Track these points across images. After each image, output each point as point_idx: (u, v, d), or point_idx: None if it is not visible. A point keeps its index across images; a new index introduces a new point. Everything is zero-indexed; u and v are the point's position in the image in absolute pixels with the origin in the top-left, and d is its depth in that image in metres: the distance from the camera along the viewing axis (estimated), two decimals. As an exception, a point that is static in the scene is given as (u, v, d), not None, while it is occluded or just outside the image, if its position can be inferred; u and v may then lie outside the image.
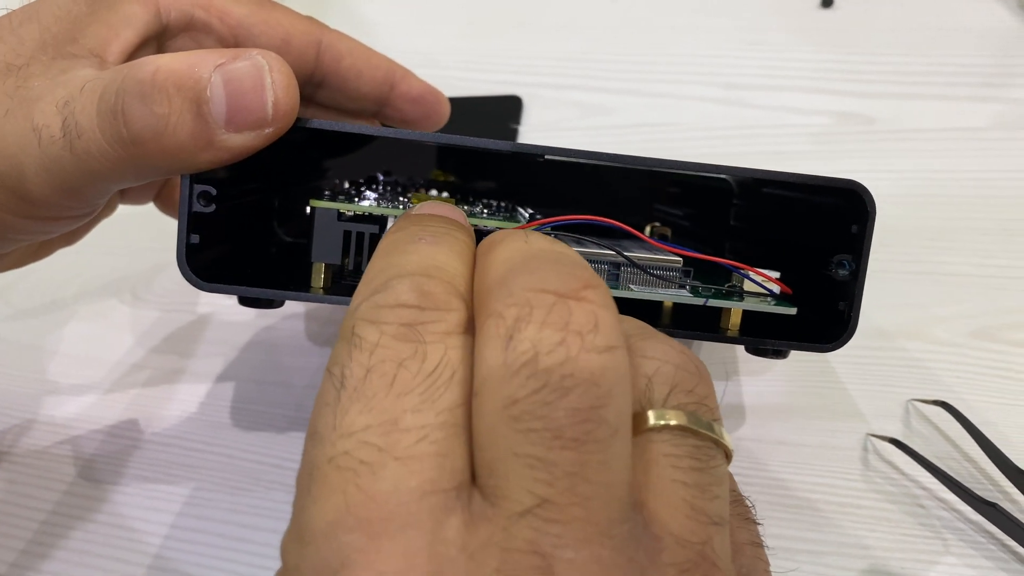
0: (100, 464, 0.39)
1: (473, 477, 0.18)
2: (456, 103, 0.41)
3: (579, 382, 0.17)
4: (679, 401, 0.19)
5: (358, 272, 0.32)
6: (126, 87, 0.25)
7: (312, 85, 0.37)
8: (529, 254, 0.20)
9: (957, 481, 0.34)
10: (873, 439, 0.37)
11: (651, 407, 0.19)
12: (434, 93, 0.39)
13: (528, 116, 0.52)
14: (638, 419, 0.19)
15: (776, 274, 0.31)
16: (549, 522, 0.16)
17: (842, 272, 0.30)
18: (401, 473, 0.17)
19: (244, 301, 0.30)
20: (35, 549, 0.37)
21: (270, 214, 0.37)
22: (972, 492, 0.34)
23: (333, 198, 0.31)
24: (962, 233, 0.43)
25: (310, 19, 0.35)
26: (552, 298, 0.18)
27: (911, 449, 0.36)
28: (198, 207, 0.28)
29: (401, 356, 0.18)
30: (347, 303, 0.29)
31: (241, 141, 0.26)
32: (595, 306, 0.18)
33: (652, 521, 0.18)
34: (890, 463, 0.37)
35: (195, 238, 0.28)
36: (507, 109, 0.52)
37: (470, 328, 0.19)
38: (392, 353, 0.18)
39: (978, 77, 0.49)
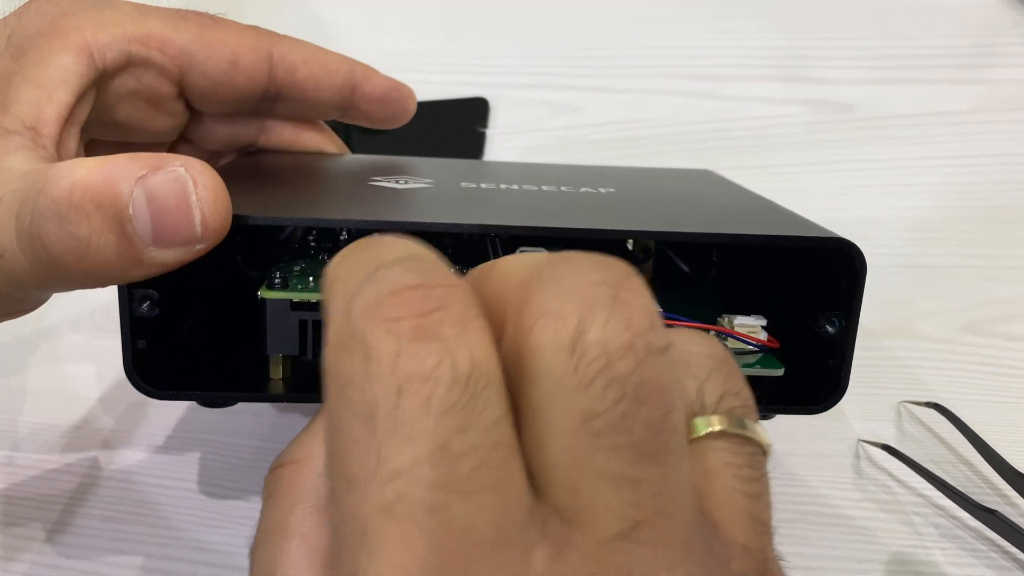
0: (59, 504, 0.38)
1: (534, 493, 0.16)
2: (420, 108, 0.39)
3: (652, 390, 0.16)
4: (731, 405, 0.18)
5: (317, 361, 0.29)
6: (40, 209, 0.23)
7: (268, 100, 0.35)
8: (545, 256, 0.18)
9: (954, 487, 0.33)
10: (864, 445, 0.36)
11: (703, 412, 0.18)
12: (399, 89, 0.37)
13: (495, 118, 0.50)
14: (691, 424, 0.18)
15: (762, 321, 0.28)
16: (641, 544, 0.15)
17: (831, 328, 0.27)
18: (469, 510, 0.15)
19: (203, 403, 0.28)
20: (-10, 604, 0.35)
21: (233, 259, 0.34)
22: (970, 498, 0.32)
23: (284, 284, 0.28)
24: (946, 222, 0.42)
25: (257, 31, 0.34)
26: (610, 291, 0.16)
27: (904, 455, 0.34)
28: (141, 312, 0.26)
29: (428, 364, 0.15)
30: (309, 400, 0.27)
31: (172, 256, 0.24)
32: (644, 298, 0.17)
33: (718, 530, 0.17)
34: (883, 470, 0.35)
35: (142, 343, 0.26)
36: (473, 112, 0.50)
37: (481, 311, 0.17)
38: (417, 362, 0.15)
39: (957, 59, 0.47)
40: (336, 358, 0.16)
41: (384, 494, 0.15)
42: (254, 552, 0.19)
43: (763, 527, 0.18)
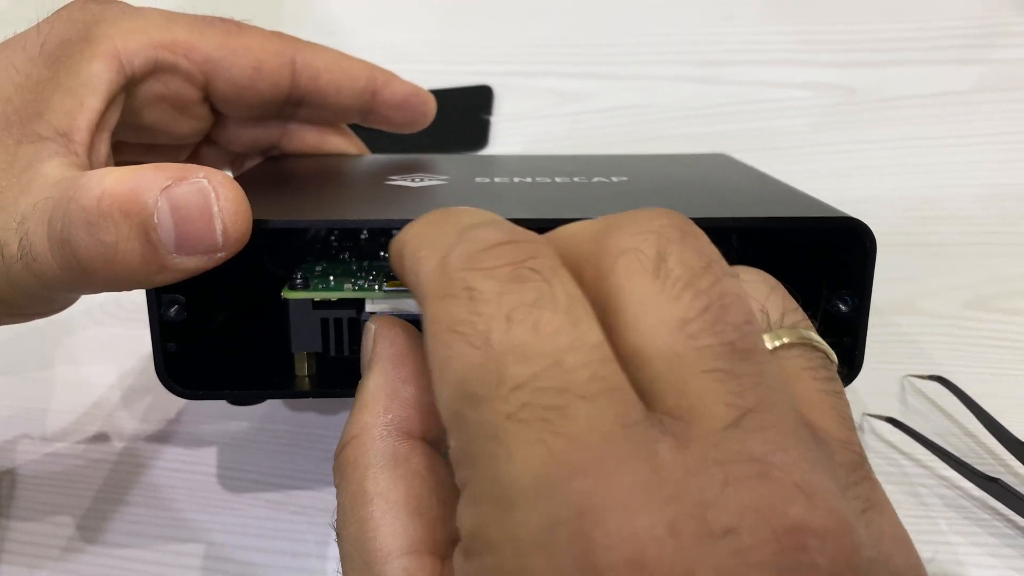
0: (74, 491, 0.38)
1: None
2: (425, 97, 0.39)
3: (733, 299, 0.18)
4: (793, 320, 0.20)
5: (340, 357, 0.30)
6: (71, 216, 0.25)
7: (291, 104, 0.36)
8: (605, 216, 0.20)
9: (957, 457, 0.33)
10: (869, 418, 0.36)
11: (769, 329, 0.20)
12: (418, 95, 0.38)
13: (500, 106, 0.51)
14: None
15: None
16: (753, 431, 0.16)
17: (843, 307, 0.27)
18: (591, 410, 0.16)
19: (232, 401, 0.29)
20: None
21: (260, 260, 0.35)
22: (973, 468, 0.32)
23: (306, 284, 0.29)
24: (951, 201, 0.42)
25: (280, 36, 0.34)
26: (678, 230, 0.18)
27: (908, 427, 0.34)
28: (170, 316, 0.27)
29: (530, 298, 0.17)
30: (334, 395, 0.29)
31: (195, 264, 0.25)
32: (706, 238, 0.19)
33: (815, 428, 0.18)
34: (888, 442, 0.35)
35: (172, 346, 0.27)
36: (478, 100, 0.51)
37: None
38: (520, 298, 0.17)
39: (959, 39, 0.47)
40: (440, 305, 0.18)
41: (509, 403, 0.16)
42: (340, 531, 0.20)
43: (851, 423, 0.19)
